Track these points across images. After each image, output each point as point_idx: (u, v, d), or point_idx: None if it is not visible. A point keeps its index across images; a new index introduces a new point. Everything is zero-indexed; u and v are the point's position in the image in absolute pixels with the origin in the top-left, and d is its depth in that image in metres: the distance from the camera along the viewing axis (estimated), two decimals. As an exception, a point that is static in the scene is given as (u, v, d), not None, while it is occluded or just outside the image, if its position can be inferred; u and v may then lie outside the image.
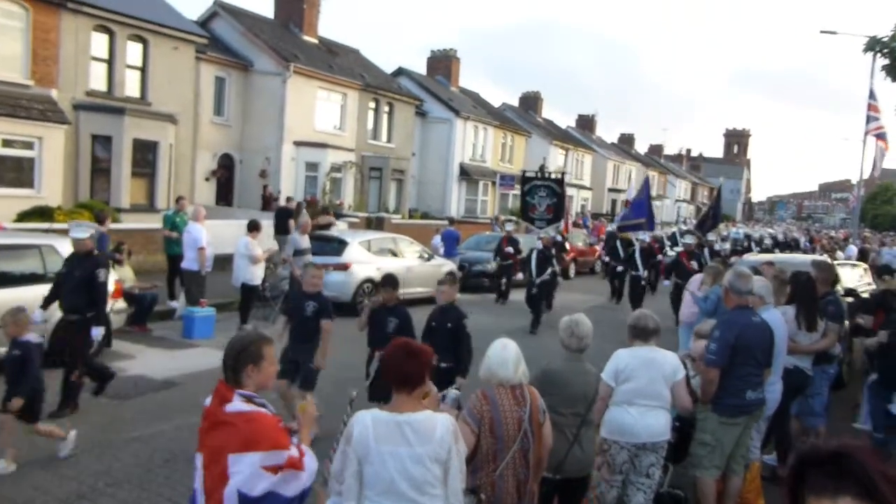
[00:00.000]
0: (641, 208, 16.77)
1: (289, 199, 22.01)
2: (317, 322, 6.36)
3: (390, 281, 6.38)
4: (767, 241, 30.90)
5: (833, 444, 1.29)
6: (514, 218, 21.14)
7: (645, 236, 16.45)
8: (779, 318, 5.36)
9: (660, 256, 17.31)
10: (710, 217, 18.05)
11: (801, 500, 1.27)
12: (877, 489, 1.20)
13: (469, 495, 3.28)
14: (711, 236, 18.80)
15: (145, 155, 17.96)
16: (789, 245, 30.86)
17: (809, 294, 6.02)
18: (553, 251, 14.18)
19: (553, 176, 14.68)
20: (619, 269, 16.03)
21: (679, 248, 16.63)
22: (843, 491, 1.21)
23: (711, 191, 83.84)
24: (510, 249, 15.77)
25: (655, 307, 13.58)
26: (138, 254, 13.99)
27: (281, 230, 15.46)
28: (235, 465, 2.67)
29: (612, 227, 18.68)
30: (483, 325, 11.89)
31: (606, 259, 17.23)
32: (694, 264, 12.80)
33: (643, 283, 14.54)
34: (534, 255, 13.14)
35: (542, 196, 13.94)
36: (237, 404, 2.77)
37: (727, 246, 21.07)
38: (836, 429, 7.08)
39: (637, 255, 14.74)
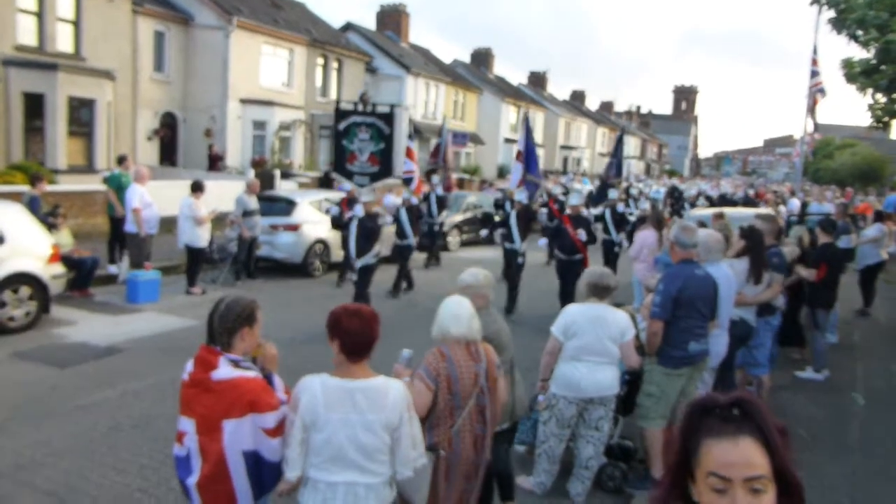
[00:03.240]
0: (532, 157, 11.92)
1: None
2: None
3: None
4: (701, 201, 23.31)
5: (733, 394, 1.41)
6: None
7: (522, 196, 11.45)
8: (726, 271, 5.44)
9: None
10: (613, 166, 16.00)
11: (694, 446, 1.37)
12: (771, 433, 1.33)
13: (427, 453, 3.26)
14: (613, 194, 14.49)
15: (82, 113, 17.18)
16: (739, 204, 22.10)
17: (762, 247, 6.12)
18: (396, 218, 11.38)
19: (379, 110, 9.54)
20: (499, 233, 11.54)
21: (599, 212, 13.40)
22: (743, 432, 1.33)
23: (661, 147, 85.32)
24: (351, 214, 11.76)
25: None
26: (76, 217, 13.48)
27: None
28: (233, 431, 2.73)
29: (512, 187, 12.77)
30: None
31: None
32: (581, 233, 10.03)
33: (520, 258, 10.74)
34: (352, 227, 9.25)
35: (363, 140, 9.31)
36: (225, 370, 2.79)
37: (645, 206, 16.31)
38: (778, 379, 7.31)
39: (513, 220, 10.86)
